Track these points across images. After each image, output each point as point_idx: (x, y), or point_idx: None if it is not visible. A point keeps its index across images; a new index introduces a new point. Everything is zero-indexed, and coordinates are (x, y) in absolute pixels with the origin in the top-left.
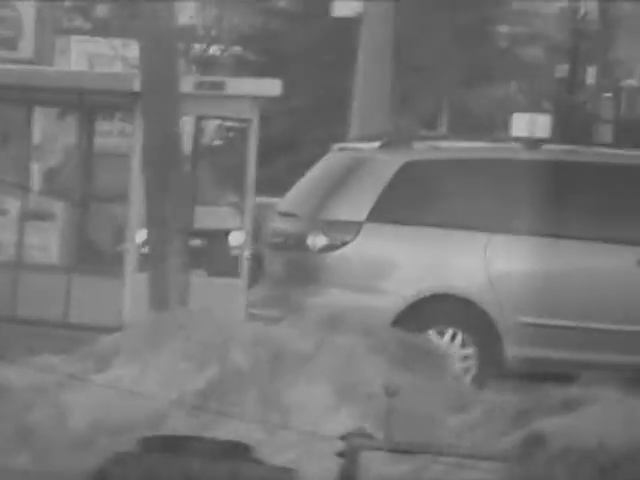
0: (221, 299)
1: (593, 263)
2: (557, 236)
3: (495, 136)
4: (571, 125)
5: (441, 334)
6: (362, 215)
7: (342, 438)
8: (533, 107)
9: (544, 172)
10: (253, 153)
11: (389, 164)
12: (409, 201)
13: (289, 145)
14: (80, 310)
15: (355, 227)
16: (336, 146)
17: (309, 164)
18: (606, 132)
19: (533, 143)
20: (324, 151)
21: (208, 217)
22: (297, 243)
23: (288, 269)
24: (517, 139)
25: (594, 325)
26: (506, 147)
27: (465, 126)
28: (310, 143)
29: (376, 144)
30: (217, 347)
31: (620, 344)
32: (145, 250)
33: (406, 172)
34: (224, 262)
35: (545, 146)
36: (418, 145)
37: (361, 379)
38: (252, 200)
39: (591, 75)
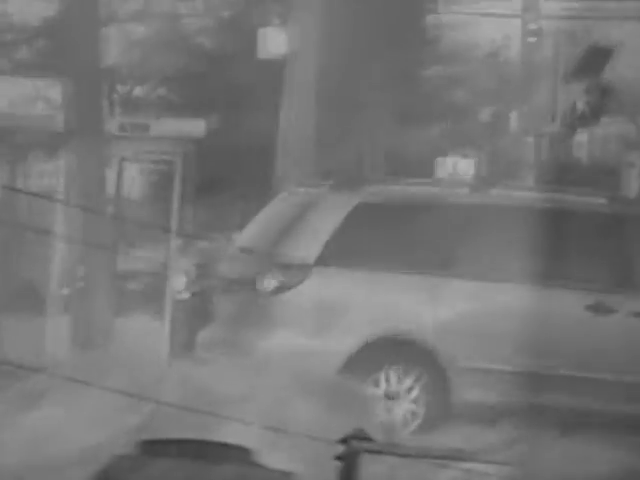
0: (150, 341)
1: (542, 308)
2: (505, 280)
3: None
4: (494, 169)
5: (389, 377)
6: (313, 257)
7: (342, 441)
8: (457, 150)
9: (493, 215)
10: (177, 194)
11: (341, 206)
12: (360, 243)
13: (213, 185)
14: (5, 349)
15: (305, 269)
16: (287, 187)
17: (233, 204)
18: (528, 176)
19: (481, 186)
20: (248, 192)
21: (145, 259)
22: (247, 285)
23: (238, 311)
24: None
25: (542, 370)
26: (456, 190)
27: (391, 168)
28: (234, 184)
29: (327, 186)
30: (144, 389)
31: (568, 389)
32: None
33: (358, 214)
34: (162, 304)
35: (493, 190)
36: (369, 187)
37: (291, 422)
38: (176, 241)
39: (514, 119)
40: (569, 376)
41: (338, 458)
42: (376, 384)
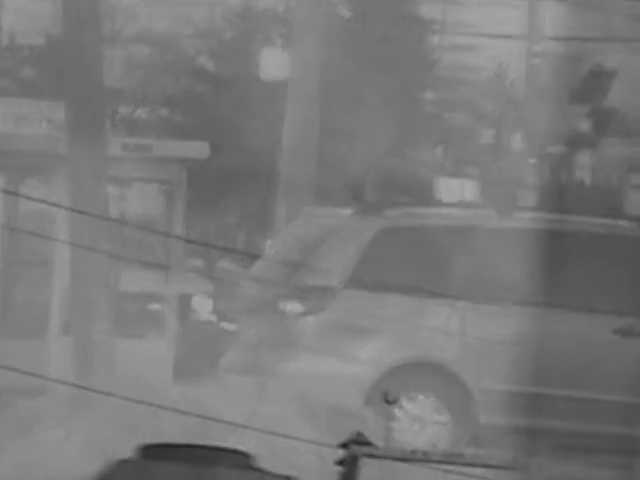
0: (154, 364)
1: (569, 332)
2: (532, 304)
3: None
4: (496, 191)
5: (416, 401)
6: (337, 281)
7: (342, 446)
8: (459, 172)
9: (518, 239)
10: (180, 216)
11: (365, 231)
12: (384, 268)
13: (215, 207)
14: (2, 374)
15: (330, 293)
16: (307, 211)
17: (235, 227)
18: (530, 198)
19: (506, 210)
20: (250, 214)
21: (150, 280)
22: (271, 308)
23: (262, 334)
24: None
25: (569, 394)
26: (480, 214)
27: (392, 191)
28: (237, 206)
29: (349, 210)
30: (143, 413)
31: (594, 413)
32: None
33: (382, 239)
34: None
35: (519, 213)
36: (392, 212)
37: (291, 446)
38: (179, 264)
39: (516, 141)
40: (596, 399)
41: (338, 463)
42: (401, 408)
